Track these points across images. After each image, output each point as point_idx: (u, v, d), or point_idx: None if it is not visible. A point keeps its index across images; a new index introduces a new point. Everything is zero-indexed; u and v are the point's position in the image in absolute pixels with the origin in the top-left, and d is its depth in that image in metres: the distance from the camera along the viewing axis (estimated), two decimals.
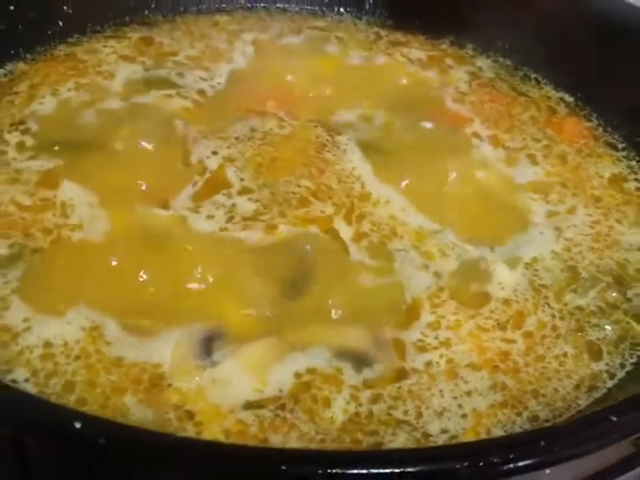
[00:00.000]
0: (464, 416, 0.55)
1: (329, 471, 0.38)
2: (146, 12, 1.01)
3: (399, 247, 0.70)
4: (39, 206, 0.68)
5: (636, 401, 0.46)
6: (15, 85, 0.85)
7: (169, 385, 0.55)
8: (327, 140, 0.80)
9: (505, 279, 0.68)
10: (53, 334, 0.58)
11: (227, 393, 0.55)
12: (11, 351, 0.56)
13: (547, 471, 0.42)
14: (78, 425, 0.39)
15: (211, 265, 0.63)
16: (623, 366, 0.61)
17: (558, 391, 0.59)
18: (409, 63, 0.97)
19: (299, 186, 0.74)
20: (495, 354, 0.61)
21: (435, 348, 0.60)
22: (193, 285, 0.62)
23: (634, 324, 0.65)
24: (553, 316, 0.65)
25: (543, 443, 0.40)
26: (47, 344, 0.57)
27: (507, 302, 0.65)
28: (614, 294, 0.67)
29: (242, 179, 0.74)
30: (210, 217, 0.69)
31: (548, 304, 0.66)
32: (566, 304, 0.66)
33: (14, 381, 0.54)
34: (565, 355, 0.62)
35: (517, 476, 0.41)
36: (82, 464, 0.42)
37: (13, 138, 0.76)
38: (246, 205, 0.71)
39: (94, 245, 0.65)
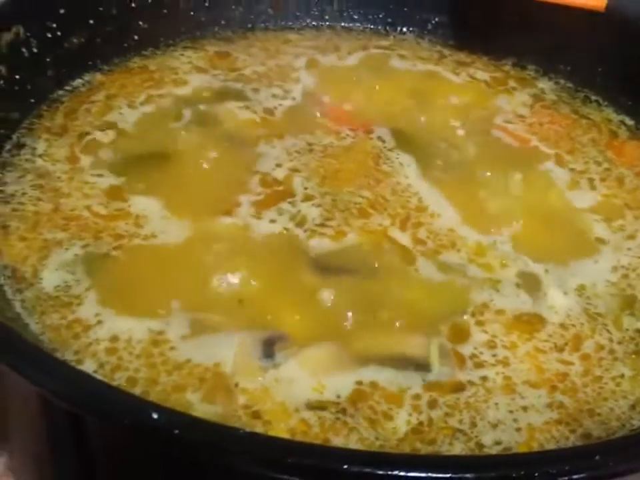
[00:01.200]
0: (518, 429, 0.56)
1: (389, 472, 0.40)
2: (216, 28, 1.05)
3: (456, 259, 0.71)
4: (113, 215, 0.72)
5: None
6: (92, 94, 0.89)
7: (236, 385, 0.58)
8: (387, 152, 0.83)
9: (558, 303, 0.68)
10: (121, 330, 0.61)
11: (291, 392, 0.58)
12: (82, 342, 0.60)
13: None
14: (155, 416, 0.42)
15: (275, 269, 0.66)
16: None
17: (613, 411, 0.59)
18: (474, 83, 0.99)
19: (361, 196, 0.76)
20: (552, 374, 0.62)
21: (493, 365, 0.62)
22: (256, 288, 0.65)
23: None
24: (611, 340, 0.66)
25: (597, 457, 0.41)
26: (114, 338, 0.60)
27: (563, 326, 0.66)
28: None
29: (306, 188, 0.77)
30: (272, 221, 0.72)
31: (607, 330, 0.66)
32: (627, 329, 0.67)
33: None
34: (622, 376, 0.63)
35: None
36: (156, 453, 0.45)
37: (89, 148, 0.80)
38: (310, 211, 0.74)
39: (166, 250, 0.69)
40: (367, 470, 0.40)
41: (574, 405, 0.59)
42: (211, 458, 0.42)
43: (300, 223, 0.72)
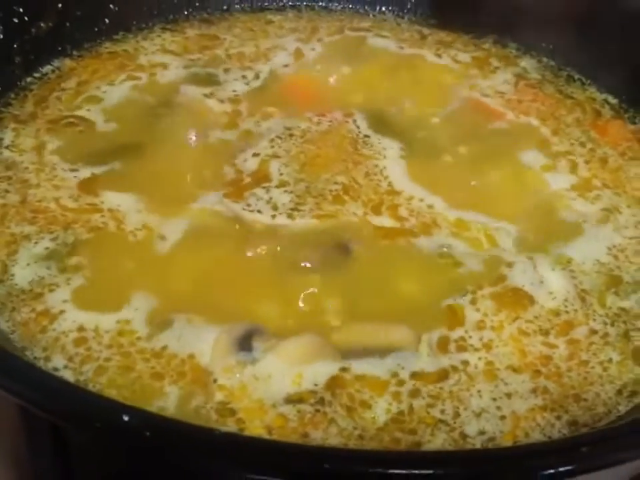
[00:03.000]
0: (502, 418, 0.55)
1: (370, 470, 0.39)
2: (191, 10, 1.02)
3: (441, 236, 0.71)
4: (83, 208, 0.70)
5: None
6: (62, 81, 0.87)
7: (215, 381, 0.56)
8: (364, 136, 0.81)
9: (552, 284, 0.67)
10: (93, 324, 0.60)
11: (269, 388, 0.56)
12: (49, 336, 0.59)
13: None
14: (126, 418, 0.40)
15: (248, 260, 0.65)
16: None
17: (599, 396, 0.59)
18: (455, 64, 0.97)
19: (336, 182, 0.75)
20: (535, 357, 0.61)
21: (477, 349, 0.60)
22: (233, 279, 0.64)
23: None
24: (605, 323, 0.65)
25: (584, 449, 0.40)
26: (81, 329, 0.59)
27: (555, 311, 0.65)
28: None
29: (282, 174, 0.75)
30: (252, 209, 0.70)
31: (595, 311, 0.65)
32: (610, 307, 0.66)
33: (55, 369, 0.56)
34: (610, 360, 0.62)
35: None
36: (126, 455, 0.43)
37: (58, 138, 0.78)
38: (282, 197, 0.72)
39: (142, 244, 0.67)
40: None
41: (558, 390, 0.58)
42: (183, 459, 0.40)
43: (273, 208, 0.71)
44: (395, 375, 0.58)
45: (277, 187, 0.73)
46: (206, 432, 0.41)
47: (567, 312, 0.65)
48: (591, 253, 0.70)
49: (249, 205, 0.71)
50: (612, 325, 0.65)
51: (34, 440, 0.52)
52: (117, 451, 0.44)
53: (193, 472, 0.42)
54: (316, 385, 0.57)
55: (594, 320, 0.65)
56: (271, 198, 0.72)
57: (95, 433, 0.41)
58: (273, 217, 0.70)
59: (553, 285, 0.67)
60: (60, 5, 0.89)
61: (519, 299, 0.66)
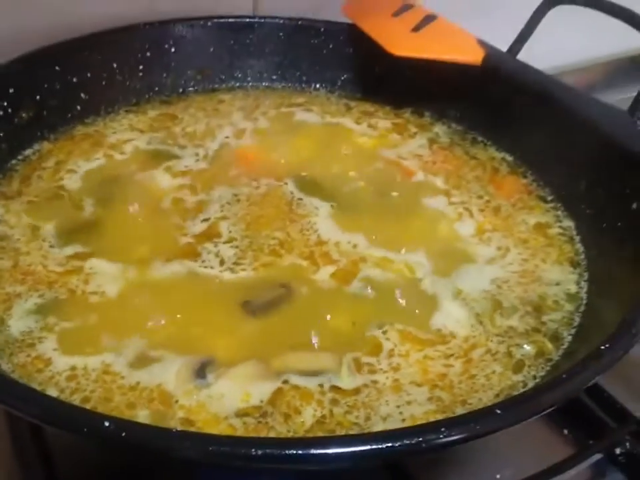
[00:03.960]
0: (403, 420, 0.70)
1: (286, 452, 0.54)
2: (150, 94, 1.18)
3: (368, 272, 0.86)
4: (66, 271, 0.85)
5: (516, 400, 0.62)
6: (42, 161, 1.02)
7: (176, 401, 0.71)
8: (298, 199, 0.98)
9: (456, 313, 0.83)
10: (77, 365, 0.74)
11: (221, 405, 0.71)
12: (45, 375, 0.73)
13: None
14: (107, 424, 0.55)
15: (202, 305, 0.80)
16: (534, 377, 0.76)
17: (481, 400, 0.73)
18: (375, 130, 1.15)
19: (274, 238, 0.91)
20: (435, 375, 0.76)
21: (385, 372, 0.75)
22: (186, 322, 0.79)
23: (547, 342, 0.80)
24: (499, 342, 0.80)
25: (443, 429, 0.56)
26: (73, 368, 0.73)
27: (465, 338, 0.80)
28: (532, 320, 0.83)
29: (230, 231, 0.91)
30: (206, 265, 0.86)
31: (489, 331, 0.81)
32: (500, 326, 0.82)
33: None
34: (494, 372, 0.77)
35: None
36: (107, 453, 0.58)
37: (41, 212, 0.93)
38: (228, 251, 0.88)
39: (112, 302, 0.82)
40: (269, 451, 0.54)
41: (450, 398, 0.73)
42: (152, 452, 0.55)
43: (220, 262, 0.86)
44: (320, 387, 0.73)
45: (225, 242, 0.89)
46: (165, 430, 0.56)
47: (474, 337, 0.81)
48: (478, 284, 0.87)
49: (203, 262, 0.86)
50: (501, 343, 0.80)
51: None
52: (99, 451, 0.58)
53: (160, 462, 0.57)
54: (261, 401, 0.71)
55: (491, 341, 0.80)
56: (218, 251, 0.88)
57: (83, 436, 0.55)
58: (221, 271, 0.85)
59: (457, 314, 0.83)
60: (38, 97, 1.04)
61: (431, 336, 0.80)
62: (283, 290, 0.84)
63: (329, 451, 0.54)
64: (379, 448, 0.55)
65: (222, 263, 0.86)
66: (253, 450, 0.54)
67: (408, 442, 0.55)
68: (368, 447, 0.55)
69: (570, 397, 0.62)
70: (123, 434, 0.54)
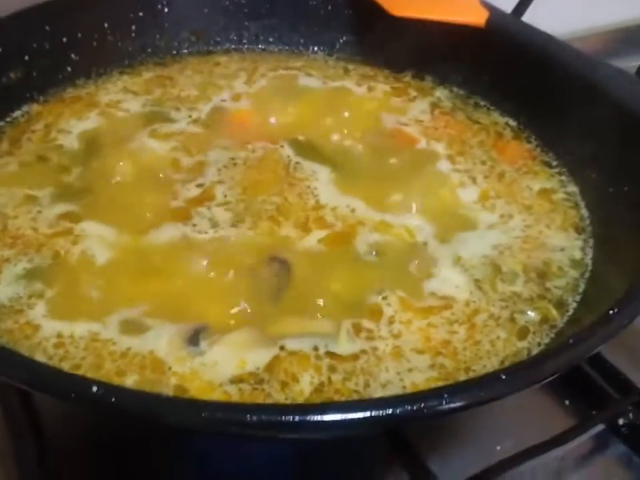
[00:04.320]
0: (404, 387, 0.68)
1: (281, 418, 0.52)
2: (143, 56, 1.15)
3: (367, 236, 0.84)
4: (55, 233, 0.82)
5: (521, 366, 0.59)
6: (32, 124, 0.99)
7: (169, 368, 0.69)
8: (296, 163, 0.95)
9: (455, 280, 0.81)
10: (66, 331, 0.72)
11: (215, 373, 0.68)
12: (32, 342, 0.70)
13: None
14: (94, 389, 0.52)
15: (195, 271, 0.78)
16: (539, 344, 0.74)
17: (486, 367, 0.71)
18: (375, 93, 1.11)
19: (271, 203, 0.88)
20: (438, 342, 0.74)
21: (385, 338, 0.73)
22: (181, 286, 0.76)
23: (552, 309, 0.78)
24: (501, 307, 0.78)
25: (445, 395, 0.53)
26: (60, 336, 0.71)
27: (466, 302, 0.78)
28: (536, 286, 0.80)
29: (225, 195, 0.88)
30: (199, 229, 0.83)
31: (490, 297, 0.79)
32: (503, 292, 0.79)
33: None
34: (498, 338, 0.75)
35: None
36: (98, 421, 0.55)
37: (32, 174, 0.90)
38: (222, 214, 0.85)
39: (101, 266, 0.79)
40: (264, 417, 0.51)
41: (453, 365, 0.71)
42: (142, 418, 0.53)
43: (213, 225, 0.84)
44: (317, 351, 0.71)
45: (219, 205, 0.86)
46: (155, 395, 0.54)
47: (474, 302, 0.78)
48: (479, 249, 0.84)
49: (194, 225, 0.83)
50: (504, 308, 0.78)
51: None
52: (91, 419, 0.56)
53: (152, 429, 0.55)
54: (257, 367, 0.69)
55: (493, 306, 0.78)
56: (212, 215, 0.85)
57: (70, 401, 0.53)
58: (215, 235, 0.82)
59: (456, 280, 0.81)
60: (27, 57, 1.01)
61: (433, 302, 0.78)
62: (280, 265, 0.81)
63: (327, 417, 0.52)
64: (378, 415, 0.53)
65: (215, 226, 0.84)
66: (248, 416, 0.52)
67: (409, 408, 0.53)
68: (368, 414, 0.52)
69: (576, 363, 0.61)
70: (112, 399, 0.52)
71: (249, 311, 0.75)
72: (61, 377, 0.55)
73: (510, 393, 0.56)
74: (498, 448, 0.80)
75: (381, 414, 0.53)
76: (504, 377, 0.56)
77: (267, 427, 0.52)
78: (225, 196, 0.88)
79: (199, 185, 0.90)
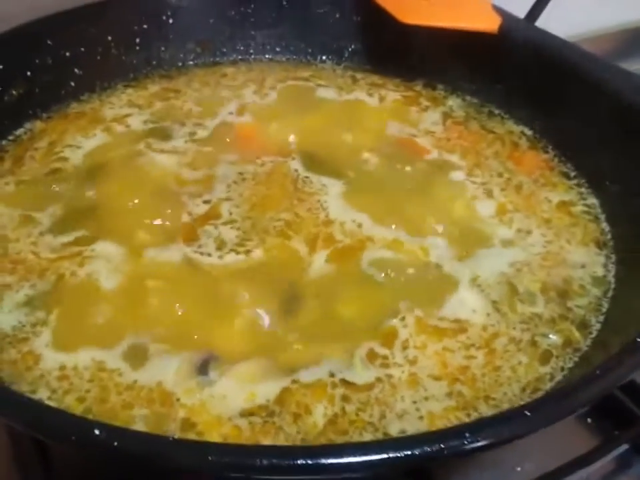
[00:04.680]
0: (420, 418, 0.65)
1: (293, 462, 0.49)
2: (148, 69, 1.12)
3: (378, 254, 0.81)
4: (59, 257, 0.80)
5: (547, 400, 0.56)
6: (35, 142, 0.97)
7: (178, 400, 0.66)
8: (304, 177, 0.92)
9: (471, 302, 0.77)
10: (71, 362, 0.69)
11: (225, 405, 0.66)
12: (35, 374, 0.68)
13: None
14: (97, 432, 0.50)
15: (204, 294, 0.75)
16: (562, 369, 0.71)
17: (506, 394, 0.68)
18: (385, 104, 1.08)
19: (279, 219, 0.85)
20: (455, 368, 0.71)
21: (400, 365, 0.70)
22: (188, 313, 0.73)
23: (575, 331, 0.75)
24: (522, 330, 0.74)
25: (467, 434, 0.50)
26: (63, 368, 0.68)
27: (483, 326, 0.75)
28: (557, 306, 0.77)
29: (231, 213, 0.86)
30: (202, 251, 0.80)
31: (510, 319, 0.75)
32: (522, 313, 0.76)
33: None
34: (520, 363, 0.72)
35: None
36: (99, 463, 0.53)
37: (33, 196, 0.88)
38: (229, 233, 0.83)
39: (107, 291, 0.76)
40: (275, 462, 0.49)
41: (471, 393, 0.68)
42: (147, 461, 0.50)
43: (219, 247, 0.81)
44: (332, 382, 0.68)
45: (224, 224, 0.84)
46: (161, 438, 0.51)
47: (492, 325, 0.75)
48: (497, 267, 0.81)
49: (200, 247, 0.80)
50: (525, 331, 0.75)
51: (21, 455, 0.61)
52: (91, 460, 0.54)
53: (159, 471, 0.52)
54: (267, 400, 0.66)
55: (513, 329, 0.75)
56: (219, 234, 0.82)
57: (71, 445, 0.50)
58: (220, 257, 0.79)
59: (472, 303, 0.77)
60: (29, 73, 0.99)
61: (449, 325, 0.75)
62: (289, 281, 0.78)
63: (343, 460, 0.50)
64: (396, 456, 0.50)
65: (222, 246, 0.81)
66: (258, 460, 0.49)
67: (429, 449, 0.50)
68: (385, 456, 0.50)
69: (604, 395, 0.57)
70: (115, 443, 0.49)
71: (257, 338, 0.72)
72: (61, 418, 0.52)
73: (535, 431, 0.53)
74: (518, 469, 0.77)
75: (399, 456, 0.50)
76: (528, 413, 0.53)
77: (279, 471, 0.49)
78: (231, 214, 0.85)
79: (206, 202, 0.87)
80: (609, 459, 0.79)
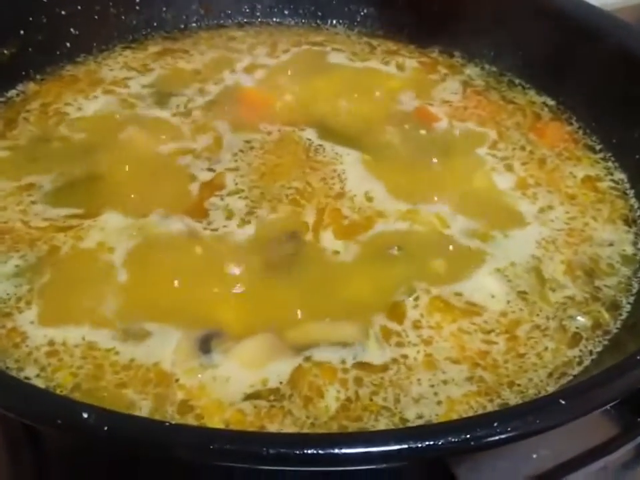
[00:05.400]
0: (439, 403, 0.60)
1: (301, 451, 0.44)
2: (149, 30, 1.06)
3: (387, 226, 0.76)
4: (50, 226, 0.74)
5: (583, 387, 0.51)
6: (27, 103, 0.91)
7: (177, 381, 0.61)
8: (318, 144, 0.87)
9: (491, 288, 0.72)
10: (61, 337, 0.64)
11: (227, 389, 0.60)
12: (22, 351, 0.63)
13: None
14: (85, 415, 0.45)
15: (207, 265, 0.70)
16: (590, 353, 0.66)
17: (532, 380, 0.63)
18: (402, 72, 1.02)
19: (290, 187, 0.80)
20: (474, 352, 0.65)
21: (415, 344, 0.65)
22: (190, 285, 0.68)
23: (604, 312, 0.69)
24: (547, 318, 0.69)
25: (496, 424, 0.45)
26: (52, 343, 0.63)
27: (502, 312, 0.69)
28: (586, 286, 0.72)
29: (237, 183, 0.80)
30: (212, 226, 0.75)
31: (540, 308, 0.70)
32: (555, 302, 0.70)
33: (27, 378, 0.60)
34: (546, 349, 0.66)
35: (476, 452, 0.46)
36: (89, 450, 0.48)
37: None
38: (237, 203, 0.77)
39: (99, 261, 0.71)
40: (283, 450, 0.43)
41: (494, 379, 0.63)
42: (140, 450, 0.45)
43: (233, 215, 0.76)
44: (343, 362, 0.63)
45: (230, 194, 0.78)
46: (156, 424, 0.46)
47: (513, 312, 0.69)
48: (522, 252, 0.75)
49: (209, 223, 0.75)
50: (553, 319, 0.69)
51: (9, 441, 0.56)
52: (80, 446, 0.49)
53: (151, 460, 0.47)
54: (280, 382, 0.61)
55: (537, 315, 0.69)
56: (227, 205, 0.77)
57: (57, 429, 0.45)
58: (225, 227, 0.75)
59: (492, 289, 0.71)
60: (22, 32, 0.93)
61: (467, 307, 0.70)
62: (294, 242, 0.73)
63: (355, 450, 0.45)
64: (417, 447, 0.45)
65: (230, 217, 0.76)
66: (265, 449, 0.44)
67: (453, 440, 0.45)
68: (405, 446, 0.45)
69: None
70: (105, 427, 0.44)
71: (263, 312, 0.67)
72: (46, 400, 0.47)
73: (569, 421, 0.48)
74: (534, 456, 0.72)
75: (420, 446, 0.45)
76: (563, 401, 0.47)
77: (286, 461, 0.44)
78: (236, 183, 0.80)
79: (211, 170, 0.82)
80: (630, 447, 0.73)
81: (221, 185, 0.80)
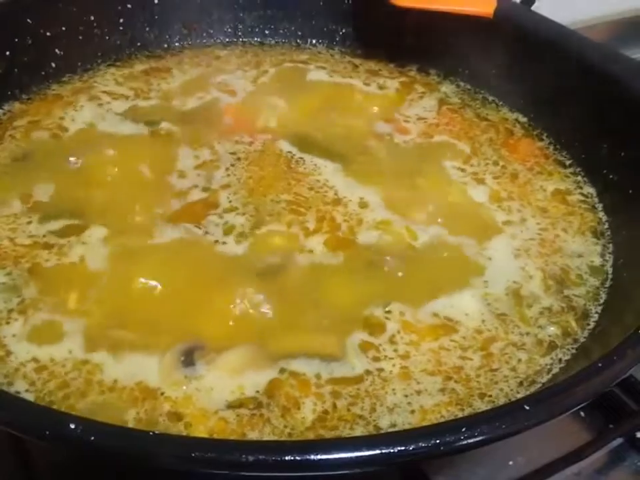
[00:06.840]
0: (412, 412, 0.63)
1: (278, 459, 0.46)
2: (132, 50, 1.09)
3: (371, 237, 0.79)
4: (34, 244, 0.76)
5: (547, 393, 0.54)
6: (14, 122, 0.93)
7: (162, 394, 0.63)
8: (297, 156, 0.90)
9: (465, 307, 0.74)
10: (47, 354, 0.66)
11: (211, 398, 0.63)
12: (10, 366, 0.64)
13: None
14: (72, 426, 0.47)
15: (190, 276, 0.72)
16: (560, 361, 0.68)
17: (503, 390, 0.66)
18: (382, 91, 1.05)
19: (279, 201, 0.83)
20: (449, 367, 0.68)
21: (391, 358, 0.68)
22: (169, 297, 0.71)
23: (572, 322, 0.72)
24: (521, 334, 0.71)
25: (464, 429, 0.48)
26: (37, 360, 0.65)
27: (478, 330, 0.71)
28: (557, 295, 0.75)
29: (230, 201, 0.83)
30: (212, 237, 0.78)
31: (517, 326, 0.72)
32: (532, 318, 0.73)
33: (17, 392, 0.62)
34: (519, 361, 0.69)
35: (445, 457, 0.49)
36: (76, 459, 0.50)
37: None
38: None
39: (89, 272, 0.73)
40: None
41: (465, 392, 0.65)
42: (126, 459, 0.47)
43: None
44: (319, 375, 0.65)
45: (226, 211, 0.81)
46: (141, 434, 0.48)
47: (488, 330, 0.72)
48: (502, 274, 0.77)
49: (207, 233, 0.78)
50: (526, 334, 0.71)
51: None
52: (68, 455, 0.51)
53: (136, 470, 0.49)
54: (257, 391, 0.64)
55: (512, 333, 0.71)
56: (225, 221, 0.80)
57: (45, 440, 0.47)
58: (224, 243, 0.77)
59: (467, 308, 0.74)
60: (7, 53, 0.95)
61: (441, 324, 0.72)
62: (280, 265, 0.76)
63: (332, 456, 0.47)
64: (389, 452, 0.47)
65: (229, 233, 0.79)
66: (244, 456, 0.46)
67: (423, 445, 0.47)
68: (377, 452, 0.47)
69: (607, 389, 0.55)
70: (92, 438, 0.46)
71: (245, 324, 0.69)
72: (33, 411, 0.49)
73: (535, 425, 0.50)
74: (510, 463, 0.75)
75: (391, 451, 0.47)
76: (527, 407, 0.50)
77: (265, 467, 0.47)
78: (230, 202, 0.83)
79: (205, 189, 0.85)
80: (603, 453, 0.76)
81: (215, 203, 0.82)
